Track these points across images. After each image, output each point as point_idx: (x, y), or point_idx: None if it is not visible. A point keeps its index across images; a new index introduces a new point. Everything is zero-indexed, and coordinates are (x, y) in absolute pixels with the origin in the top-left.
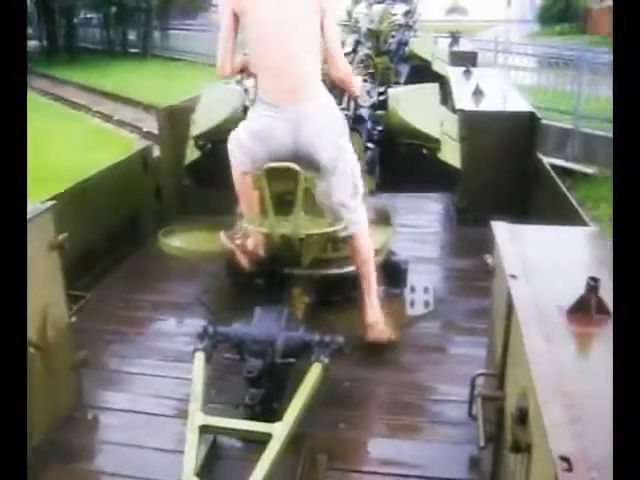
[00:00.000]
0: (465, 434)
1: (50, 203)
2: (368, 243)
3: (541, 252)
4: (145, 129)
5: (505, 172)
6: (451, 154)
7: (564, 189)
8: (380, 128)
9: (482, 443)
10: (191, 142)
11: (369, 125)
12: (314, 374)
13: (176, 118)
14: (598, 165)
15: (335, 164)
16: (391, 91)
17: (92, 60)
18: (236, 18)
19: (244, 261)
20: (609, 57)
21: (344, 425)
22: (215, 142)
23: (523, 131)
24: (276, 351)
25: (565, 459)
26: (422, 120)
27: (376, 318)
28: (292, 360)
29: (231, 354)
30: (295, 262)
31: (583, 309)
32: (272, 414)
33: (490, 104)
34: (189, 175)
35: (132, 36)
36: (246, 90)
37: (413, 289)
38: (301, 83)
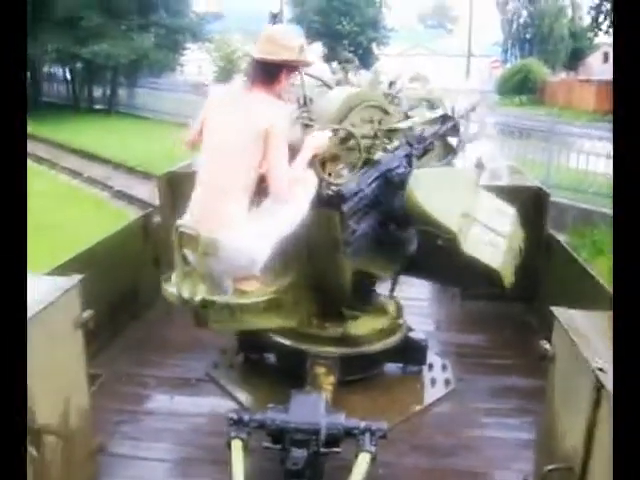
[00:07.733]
0: None
1: (77, 277)
2: None
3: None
4: (116, 188)
5: None
6: (485, 249)
7: (584, 264)
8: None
9: None
10: None
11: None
12: (362, 464)
13: (176, 184)
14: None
15: None
16: (416, 171)
17: (57, 115)
18: None
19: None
20: (577, 129)
21: None
22: None
23: (531, 206)
24: (320, 440)
25: None
26: (440, 207)
27: None
28: (337, 450)
29: (268, 442)
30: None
31: None
32: None
33: (495, 178)
34: None
35: (98, 92)
36: None
37: (431, 367)
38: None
